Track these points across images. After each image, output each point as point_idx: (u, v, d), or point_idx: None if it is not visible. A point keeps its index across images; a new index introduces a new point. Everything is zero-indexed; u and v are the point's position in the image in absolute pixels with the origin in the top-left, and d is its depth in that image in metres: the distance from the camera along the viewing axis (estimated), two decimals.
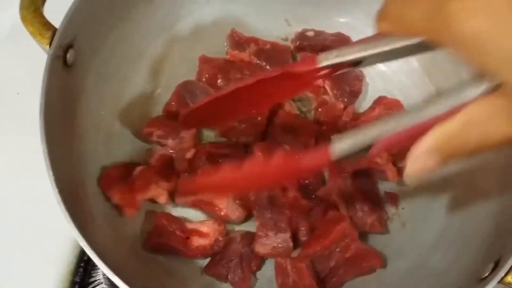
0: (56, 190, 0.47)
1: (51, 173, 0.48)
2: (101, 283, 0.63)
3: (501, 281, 0.45)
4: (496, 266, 0.47)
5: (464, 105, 0.33)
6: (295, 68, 0.45)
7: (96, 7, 0.56)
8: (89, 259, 0.63)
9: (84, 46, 0.55)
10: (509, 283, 0.45)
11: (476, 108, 0.33)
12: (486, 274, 0.47)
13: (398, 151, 0.62)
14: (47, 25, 0.52)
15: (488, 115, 0.32)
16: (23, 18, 0.52)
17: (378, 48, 0.40)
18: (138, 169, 0.61)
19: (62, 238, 0.63)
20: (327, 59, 0.42)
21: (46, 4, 0.53)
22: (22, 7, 0.52)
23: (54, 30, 0.51)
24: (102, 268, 0.45)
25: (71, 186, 0.52)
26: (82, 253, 0.63)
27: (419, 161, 0.35)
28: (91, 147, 0.59)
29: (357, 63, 0.42)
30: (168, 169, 0.62)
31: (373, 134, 0.38)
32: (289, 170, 0.45)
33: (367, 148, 0.39)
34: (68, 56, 0.53)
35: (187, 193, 0.60)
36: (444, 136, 0.34)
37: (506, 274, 0.45)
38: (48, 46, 0.51)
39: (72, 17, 0.52)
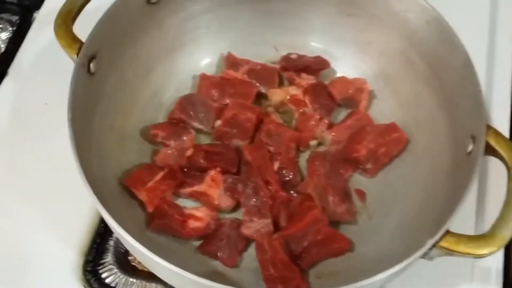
0: (85, 178, 0.57)
1: (79, 165, 0.58)
2: (111, 264, 0.73)
3: (435, 245, 0.56)
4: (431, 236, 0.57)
5: None
6: None
7: (115, 29, 0.69)
8: (100, 242, 0.74)
9: (104, 59, 0.68)
10: (441, 246, 0.55)
11: None
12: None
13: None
14: (75, 39, 0.65)
15: None
16: (57, 34, 0.65)
17: None
18: (160, 174, 0.71)
19: (78, 225, 0.74)
20: None
21: (76, 24, 0.67)
22: (56, 26, 0.65)
23: (81, 43, 0.64)
24: (120, 232, 0.55)
25: (94, 178, 0.61)
26: (95, 236, 0.74)
27: None
28: (106, 146, 0.70)
29: None
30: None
31: None
32: None
33: None
34: (91, 65, 0.65)
35: None
36: None
37: (440, 239, 0.56)
38: (76, 56, 0.64)
39: (95, 34, 0.65)
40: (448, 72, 0.69)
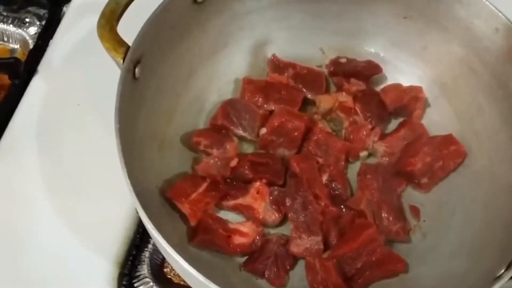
0: (133, 191, 0.54)
1: (128, 180, 0.54)
2: (146, 277, 0.69)
3: None
4: (509, 266, 0.52)
5: None
6: None
7: (160, 31, 0.65)
8: (136, 255, 0.70)
9: (148, 63, 0.63)
10: None
11: None
12: (501, 273, 0.53)
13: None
14: (120, 42, 0.60)
15: None
16: (101, 36, 0.60)
17: None
18: (203, 186, 0.67)
19: (115, 236, 0.70)
20: None
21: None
22: (100, 26, 0.60)
23: (127, 47, 0.59)
24: (166, 248, 0.51)
25: (139, 189, 0.57)
26: (131, 248, 0.70)
27: None
28: (148, 154, 0.65)
29: None
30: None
31: None
32: None
33: None
34: (136, 70, 0.61)
35: None
36: None
37: None
38: (122, 60, 0.59)
39: (141, 37, 0.61)
40: None
